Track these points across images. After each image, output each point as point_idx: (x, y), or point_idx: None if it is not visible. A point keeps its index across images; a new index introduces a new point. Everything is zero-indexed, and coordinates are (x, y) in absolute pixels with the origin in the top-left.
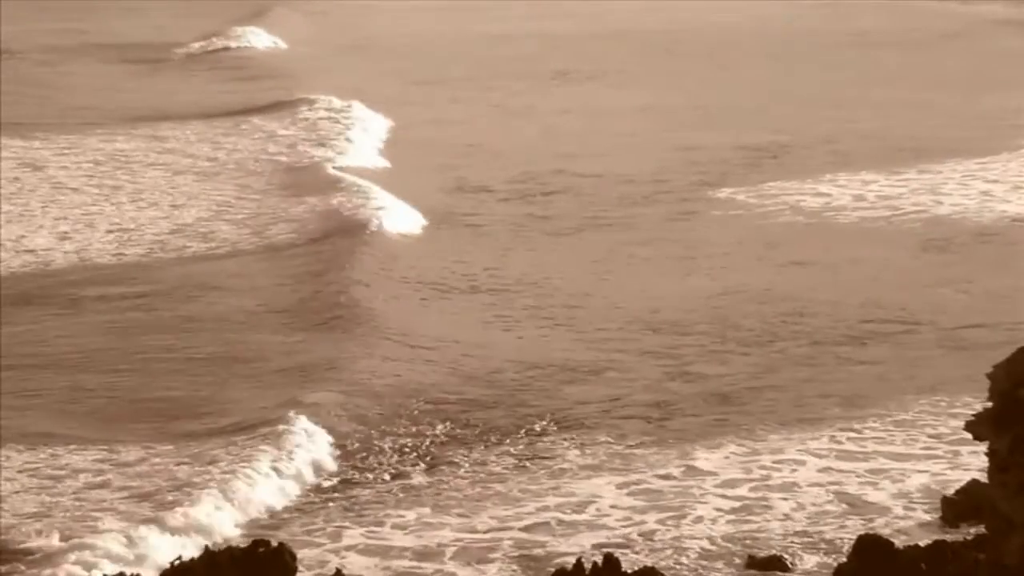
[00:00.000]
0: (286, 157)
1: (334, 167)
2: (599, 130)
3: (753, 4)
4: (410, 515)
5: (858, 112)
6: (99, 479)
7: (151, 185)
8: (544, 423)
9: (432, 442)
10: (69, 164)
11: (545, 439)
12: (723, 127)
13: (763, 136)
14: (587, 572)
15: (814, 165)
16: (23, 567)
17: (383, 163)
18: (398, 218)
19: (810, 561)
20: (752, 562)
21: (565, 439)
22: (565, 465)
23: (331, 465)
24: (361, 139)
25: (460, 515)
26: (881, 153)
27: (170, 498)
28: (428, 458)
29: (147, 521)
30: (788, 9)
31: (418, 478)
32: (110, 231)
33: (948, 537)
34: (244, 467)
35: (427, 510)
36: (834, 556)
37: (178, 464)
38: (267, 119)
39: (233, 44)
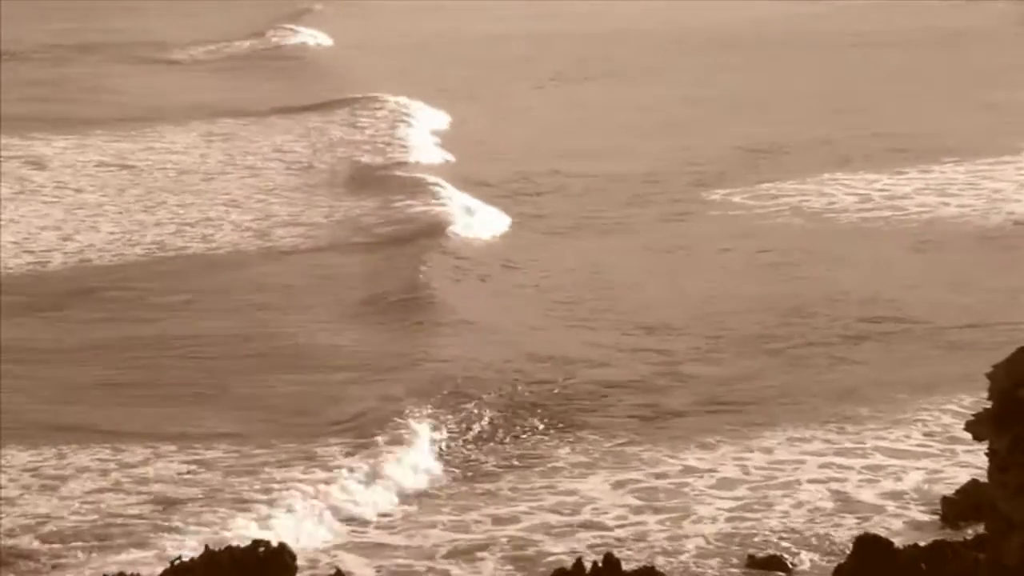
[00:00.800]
0: (352, 155)
1: (396, 163)
2: (601, 129)
3: (754, 4)
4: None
5: (857, 112)
6: (104, 481)
7: (217, 187)
8: (538, 420)
9: (428, 437)
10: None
11: (538, 437)
12: (722, 126)
13: (762, 136)
14: (587, 572)
15: (814, 165)
16: None
17: (447, 159)
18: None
19: (810, 561)
20: (752, 562)
21: (560, 437)
22: (559, 464)
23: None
24: (418, 135)
25: (452, 513)
26: (881, 153)
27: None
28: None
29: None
30: (789, 9)
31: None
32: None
33: (948, 537)
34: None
35: (414, 508)
36: (834, 556)
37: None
38: (323, 116)
39: (279, 42)
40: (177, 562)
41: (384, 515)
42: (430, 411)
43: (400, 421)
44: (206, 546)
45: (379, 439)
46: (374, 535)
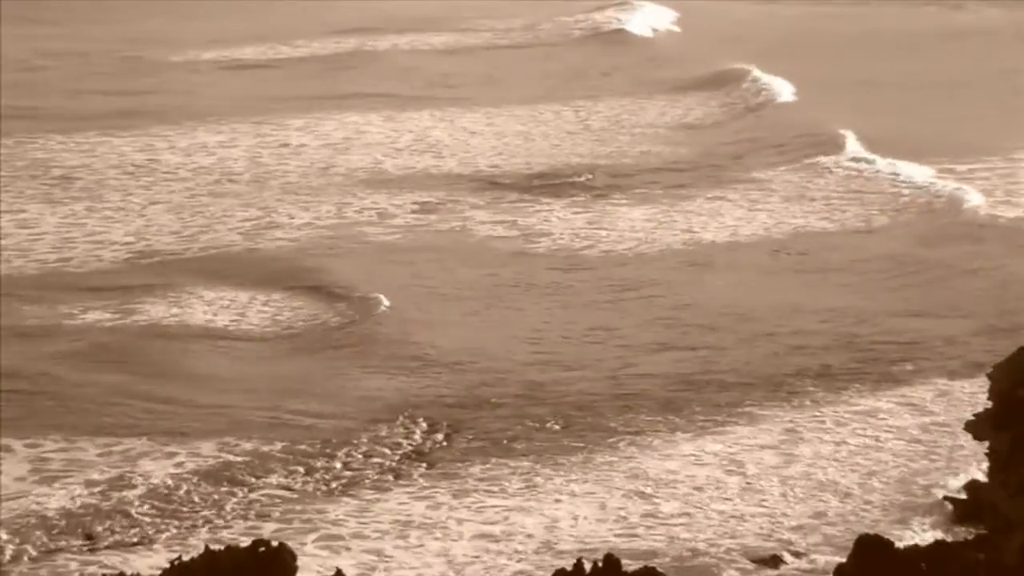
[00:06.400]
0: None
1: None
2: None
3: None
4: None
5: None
6: None
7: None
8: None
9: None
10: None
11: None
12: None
13: None
14: (587, 572)
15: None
16: None
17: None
18: None
19: (810, 561)
20: (752, 561)
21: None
22: (558, 461)
23: None
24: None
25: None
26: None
27: None
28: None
29: None
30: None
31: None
32: None
33: (948, 537)
34: None
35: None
36: (834, 556)
37: None
38: (714, 92)
39: (611, 27)
40: (177, 562)
41: None
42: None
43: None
44: (206, 546)
45: None
46: None
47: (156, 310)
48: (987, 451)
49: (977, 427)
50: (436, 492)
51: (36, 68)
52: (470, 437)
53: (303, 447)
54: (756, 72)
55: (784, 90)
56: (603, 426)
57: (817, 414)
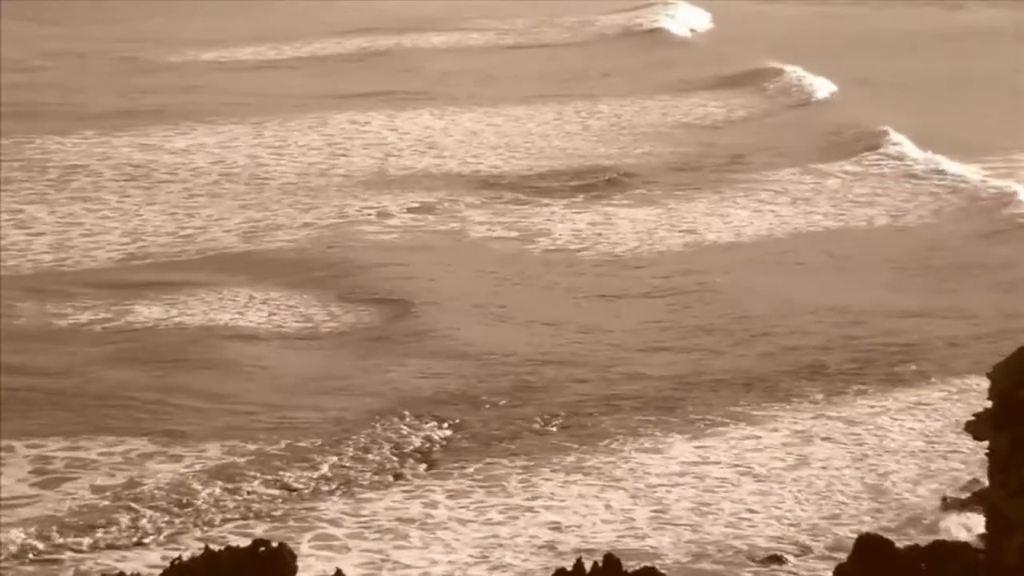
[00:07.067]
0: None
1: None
2: None
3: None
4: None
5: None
6: None
7: None
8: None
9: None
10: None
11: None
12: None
13: None
14: (587, 572)
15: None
16: None
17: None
18: None
19: (810, 561)
20: (753, 561)
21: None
22: (557, 464)
23: None
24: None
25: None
26: None
27: None
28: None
29: None
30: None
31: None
32: None
33: (948, 537)
34: None
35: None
36: (834, 555)
37: None
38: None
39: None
40: (177, 562)
41: None
42: None
43: None
44: (206, 546)
45: None
46: None
47: (151, 311)
48: (987, 451)
49: (977, 427)
50: (432, 491)
51: (35, 68)
52: (469, 436)
53: (303, 444)
54: (788, 68)
55: (822, 87)
56: (600, 426)
57: None
